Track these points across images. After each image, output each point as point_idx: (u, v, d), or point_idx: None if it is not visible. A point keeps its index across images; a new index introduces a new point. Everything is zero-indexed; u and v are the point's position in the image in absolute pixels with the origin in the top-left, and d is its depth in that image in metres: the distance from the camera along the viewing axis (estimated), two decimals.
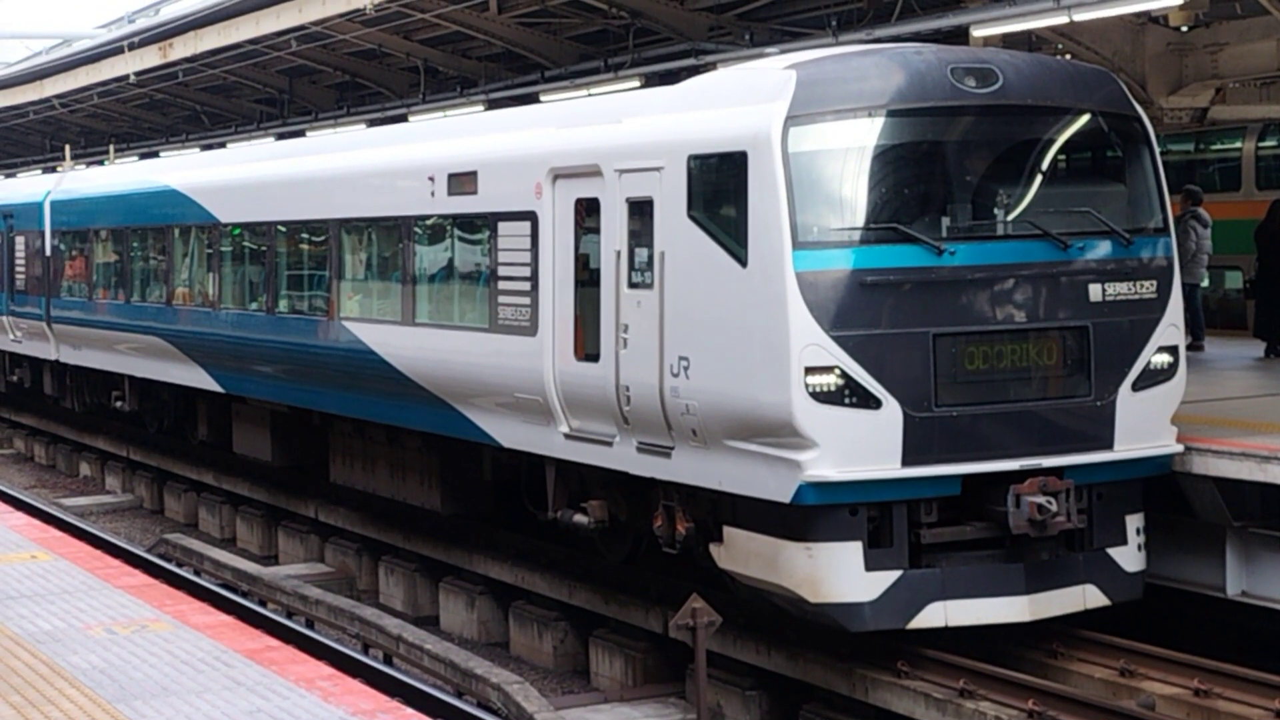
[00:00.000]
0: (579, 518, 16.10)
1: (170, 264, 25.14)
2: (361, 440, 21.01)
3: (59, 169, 35.14)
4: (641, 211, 14.52)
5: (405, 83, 31.06)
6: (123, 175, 29.68)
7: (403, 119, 28.69)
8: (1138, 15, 19.94)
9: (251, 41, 29.86)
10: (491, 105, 26.36)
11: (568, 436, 15.71)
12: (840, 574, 13.14)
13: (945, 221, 13.47)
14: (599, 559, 17.34)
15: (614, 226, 14.83)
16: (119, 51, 35.02)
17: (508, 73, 27.53)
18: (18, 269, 32.19)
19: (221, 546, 23.79)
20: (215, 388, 23.97)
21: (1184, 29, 20.98)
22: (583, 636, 17.49)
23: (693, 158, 13.96)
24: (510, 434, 16.77)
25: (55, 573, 14.87)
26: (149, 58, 33.77)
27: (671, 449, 14.30)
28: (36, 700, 10.70)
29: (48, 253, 30.49)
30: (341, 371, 19.91)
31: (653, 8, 23.11)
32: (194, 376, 24.43)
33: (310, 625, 18.15)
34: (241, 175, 23.45)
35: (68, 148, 38.49)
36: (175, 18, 32.64)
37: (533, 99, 24.70)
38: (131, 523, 27.71)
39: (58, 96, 40.57)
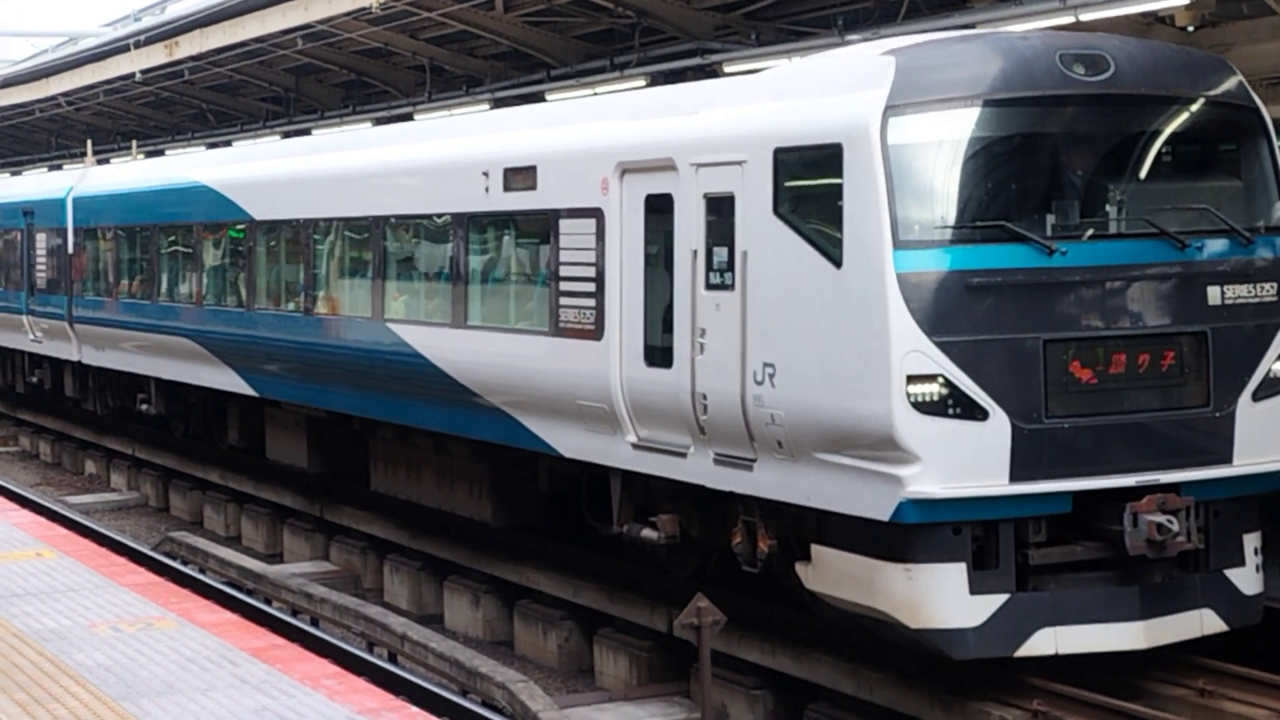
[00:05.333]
0: (648, 533, 15.24)
1: (200, 262, 24.29)
2: (405, 447, 20.11)
3: (83, 164, 34.84)
4: (720, 208, 13.70)
5: (411, 81, 31.04)
6: (150, 171, 28.88)
7: (408, 118, 28.66)
8: (1144, 15, 19.90)
9: (257, 40, 29.83)
10: (497, 104, 26.34)
11: (636, 446, 14.87)
12: (942, 597, 12.31)
13: (1056, 219, 12.67)
14: (604, 561, 17.27)
15: (690, 224, 14.02)
16: (124, 50, 35.01)
17: (513, 71, 27.50)
18: (38, 267, 31.47)
19: (227, 545, 23.79)
20: (248, 391, 23.10)
21: (1190, 29, 20.91)
22: (587, 635, 17.48)
23: (780, 150, 13.11)
24: (571, 443, 15.89)
25: (61, 570, 14.89)
26: (154, 56, 33.74)
27: (753, 461, 13.46)
28: (42, 698, 10.72)
29: (70, 250, 29.79)
30: (385, 375, 19.02)
31: (659, 7, 23.09)
32: (225, 379, 23.55)
33: (315, 624, 18.15)
34: (277, 171, 22.58)
35: (89, 143, 38.29)
36: (181, 16, 32.62)
37: (538, 98, 24.68)
38: (137, 521, 27.73)
39: (63, 95, 40.56)
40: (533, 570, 18.39)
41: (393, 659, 16.66)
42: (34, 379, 33.72)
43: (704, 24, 23.20)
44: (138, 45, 34.02)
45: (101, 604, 13.48)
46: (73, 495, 29.65)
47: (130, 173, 29.72)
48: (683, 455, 14.26)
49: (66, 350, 30.24)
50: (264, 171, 23.01)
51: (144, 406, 28.10)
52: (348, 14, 26.16)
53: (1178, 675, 13.31)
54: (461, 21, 25.86)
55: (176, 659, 11.68)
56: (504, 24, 25.56)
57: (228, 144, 36.82)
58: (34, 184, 35.54)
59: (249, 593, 19.52)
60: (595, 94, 23.42)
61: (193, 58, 32.44)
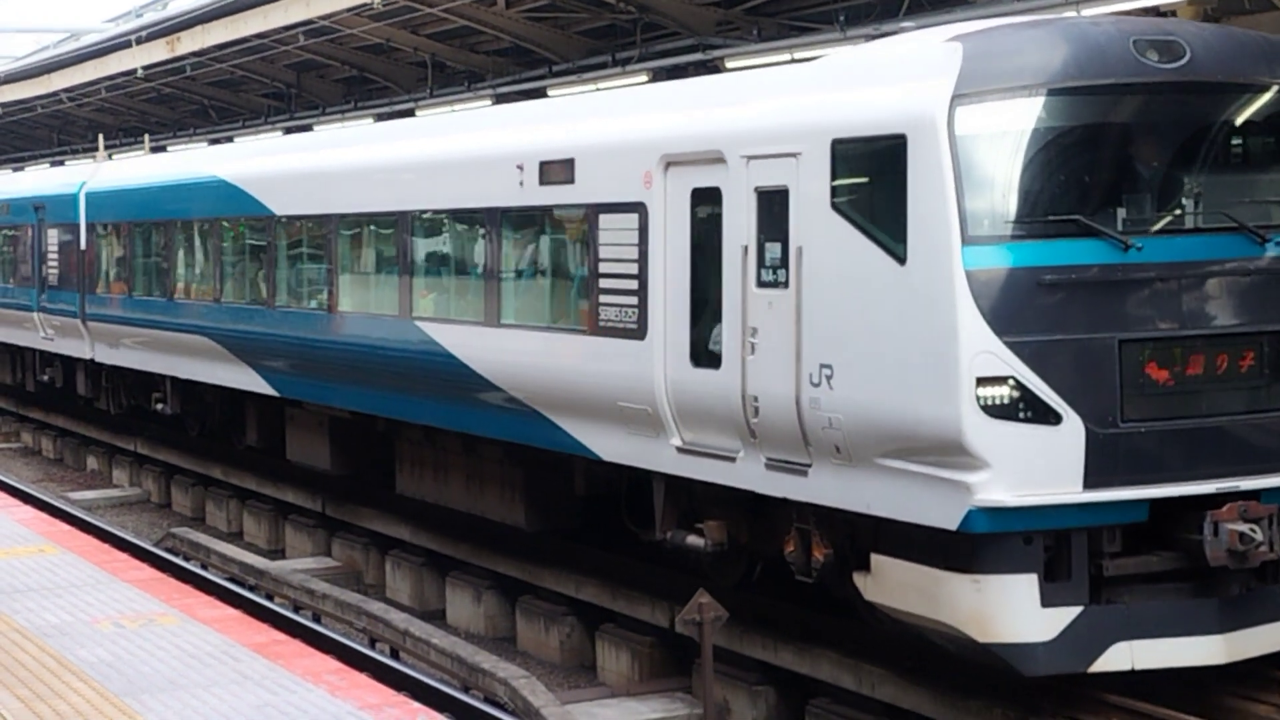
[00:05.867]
0: (693, 539, 14.59)
1: (219, 259, 23.74)
2: (433, 449, 19.50)
3: (95, 159, 34.68)
4: (773, 202, 13.10)
5: (413, 77, 31.06)
6: (165, 166, 28.28)
7: (410, 114, 28.70)
8: (1145, 11, 19.93)
9: (259, 36, 29.87)
10: (499, 100, 26.37)
11: (680, 450, 14.28)
12: (1012, 610, 11.75)
13: (1129, 213, 12.10)
14: (605, 556, 17.23)
15: (740, 219, 13.41)
16: (126, 46, 35.08)
17: (515, 67, 27.53)
18: (49, 263, 30.92)
19: (229, 540, 23.80)
20: (268, 391, 22.37)
21: None
22: (589, 631, 17.50)
23: (838, 142, 12.52)
24: (611, 446, 15.27)
25: (63, 566, 14.91)
26: (156, 52, 33.78)
27: (808, 466, 12.88)
28: (44, 694, 10.73)
29: (83, 246, 29.25)
30: (413, 375, 18.35)
31: (661, 3, 23.09)
32: (244, 379, 22.79)
33: (317, 619, 18.15)
34: (299, 165, 21.98)
35: (101, 138, 38.29)
36: (182, 12, 32.67)
37: (540, 94, 24.70)
38: (139, 516, 27.73)
39: (65, 91, 40.64)
40: (535, 566, 18.39)
41: (394, 655, 16.66)
42: (45, 377, 33.15)
43: (705, 20, 23.22)
44: (139, 41, 34.09)
45: (103, 600, 13.49)
46: (75, 491, 29.65)
47: (145, 167, 29.12)
48: (731, 459, 13.68)
49: (79, 348, 29.66)
50: (286, 166, 22.41)
51: (159, 406, 27.59)
52: (349, 10, 26.21)
53: (1181, 671, 13.29)
54: (463, 17, 25.89)
55: (178, 655, 11.70)
56: (505, 20, 25.59)
57: (230, 140, 36.83)
58: (45, 179, 34.91)
59: (251, 589, 19.52)
60: (598, 88, 23.39)
61: (194, 53, 32.51)
